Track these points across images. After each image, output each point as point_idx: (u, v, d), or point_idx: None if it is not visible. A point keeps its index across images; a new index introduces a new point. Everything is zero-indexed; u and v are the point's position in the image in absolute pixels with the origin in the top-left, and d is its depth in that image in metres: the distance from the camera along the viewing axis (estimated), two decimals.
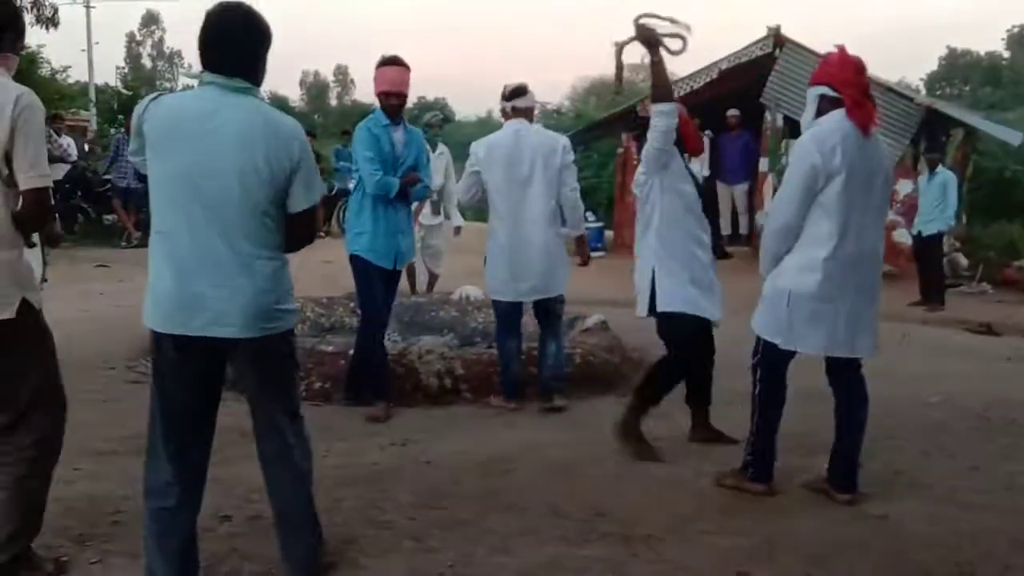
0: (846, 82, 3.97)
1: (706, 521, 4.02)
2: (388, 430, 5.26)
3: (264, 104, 3.29)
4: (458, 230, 10.09)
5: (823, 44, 13.62)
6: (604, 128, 17.87)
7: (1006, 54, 37.19)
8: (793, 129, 13.82)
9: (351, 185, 13.19)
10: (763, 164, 14.46)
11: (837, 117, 3.96)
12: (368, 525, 3.91)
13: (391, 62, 5.77)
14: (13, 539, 3.27)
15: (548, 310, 5.93)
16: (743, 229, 15.23)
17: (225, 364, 3.19)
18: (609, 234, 16.10)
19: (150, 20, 60.42)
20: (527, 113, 6.04)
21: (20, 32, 3.44)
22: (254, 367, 3.22)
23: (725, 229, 15.29)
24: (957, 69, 39.18)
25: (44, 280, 6.05)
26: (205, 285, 3.00)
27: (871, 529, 4.06)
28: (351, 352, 6.00)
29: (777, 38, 13.44)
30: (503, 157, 5.74)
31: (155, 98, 3.18)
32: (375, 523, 3.93)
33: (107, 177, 15.29)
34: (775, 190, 14.11)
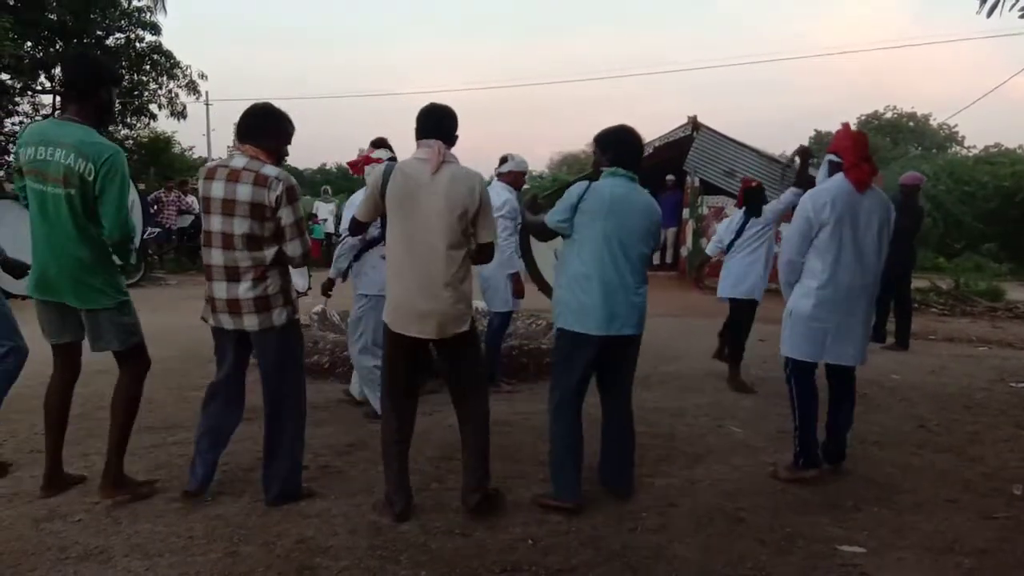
0: (846, 150, 3.83)
1: (646, 468, 3.98)
2: (421, 403, 5.20)
3: (642, 188, 3.57)
4: None
5: (727, 127, 13.72)
6: None
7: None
8: (706, 188, 13.90)
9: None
10: (685, 213, 14.58)
11: (837, 178, 3.81)
12: None
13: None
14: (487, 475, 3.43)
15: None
16: (669, 259, 15.48)
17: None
18: None
19: None
20: (506, 177, 5.67)
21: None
22: (630, 351, 3.56)
23: (657, 260, 15.53)
24: (823, 145, 39.28)
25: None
26: (619, 303, 3.40)
27: (764, 470, 4.03)
28: None
29: (694, 124, 13.53)
30: None
31: (588, 187, 3.44)
32: (411, 470, 3.88)
33: None
34: (694, 231, 14.23)
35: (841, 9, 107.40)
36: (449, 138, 3.30)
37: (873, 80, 74.00)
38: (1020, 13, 4.35)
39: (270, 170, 3.18)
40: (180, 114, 19.47)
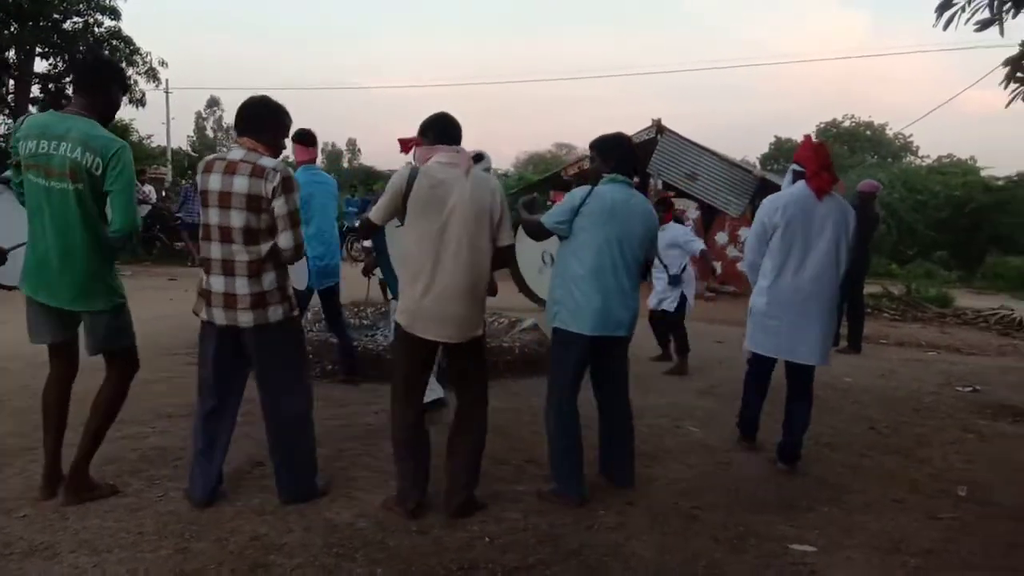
0: (807, 160, 4.05)
1: None
2: (380, 399, 5.17)
3: (640, 194, 3.69)
4: None
5: (691, 131, 13.87)
6: (538, 187, 17.95)
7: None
8: (669, 190, 14.02)
9: (356, 223, 13.42)
10: None
11: (797, 185, 4.06)
12: (363, 468, 3.84)
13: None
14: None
15: None
16: None
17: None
18: None
19: (213, 103, 59.23)
20: None
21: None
22: (620, 350, 3.66)
23: None
24: (782, 151, 39.74)
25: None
26: (615, 305, 3.49)
27: (720, 470, 4.09)
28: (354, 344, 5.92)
29: (659, 127, 13.64)
30: None
31: (591, 191, 3.50)
32: (368, 467, 3.87)
33: (178, 215, 14.97)
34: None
35: (806, 18, 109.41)
36: (460, 143, 3.34)
37: (835, 89, 75.69)
38: (975, 27, 4.45)
39: (267, 161, 3.12)
40: (139, 102, 19.03)
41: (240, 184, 3.07)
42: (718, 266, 13.61)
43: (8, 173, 3.30)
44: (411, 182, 3.17)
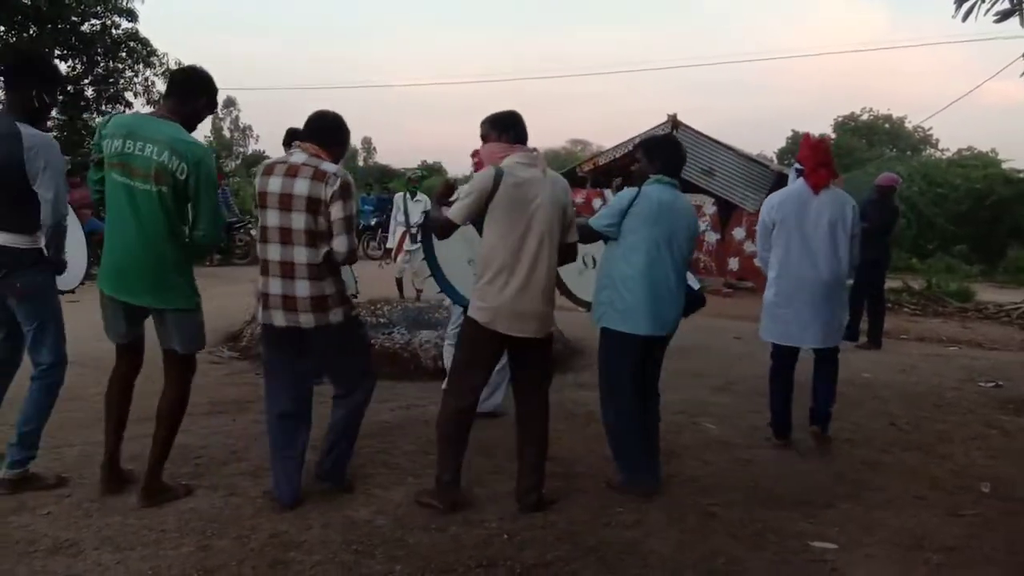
0: (805, 158, 4.34)
1: None
2: (396, 397, 5.20)
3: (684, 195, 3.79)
4: None
5: (706, 127, 13.81)
6: None
7: (833, 135, 37.68)
8: (685, 186, 13.92)
9: (372, 222, 13.33)
10: None
11: (798, 182, 4.36)
12: (380, 466, 3.86)
13: None
14: None
15: None
16: None
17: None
18: None
19: (229, 103, 59.25)
20: None
21: None
22: (664, 347, 3.74)
23: None
24: (799, 146, 39.76)
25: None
26: (664, 305, 3.54)
27: (738, 466, 4.08)
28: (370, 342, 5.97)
29: (674, 122, 13.56)
30: None
31: (638, 192, 3.56)
32: (386, 464, 3.88)
33: None
34: None
35: (819, 12, 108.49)
36: (527, 140, 3.41)
37: (851, 82, 74.85)
38: (995, 18, 4.41)
39: (329, 166, 3.17)
40: (156, 103, 19.20)
41: (301, 187, 3.11)
42: (735, 261, 13.57)
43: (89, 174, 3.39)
44: (497, 183, 3.17)
